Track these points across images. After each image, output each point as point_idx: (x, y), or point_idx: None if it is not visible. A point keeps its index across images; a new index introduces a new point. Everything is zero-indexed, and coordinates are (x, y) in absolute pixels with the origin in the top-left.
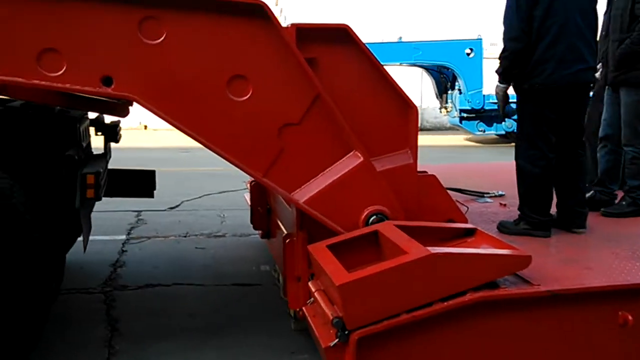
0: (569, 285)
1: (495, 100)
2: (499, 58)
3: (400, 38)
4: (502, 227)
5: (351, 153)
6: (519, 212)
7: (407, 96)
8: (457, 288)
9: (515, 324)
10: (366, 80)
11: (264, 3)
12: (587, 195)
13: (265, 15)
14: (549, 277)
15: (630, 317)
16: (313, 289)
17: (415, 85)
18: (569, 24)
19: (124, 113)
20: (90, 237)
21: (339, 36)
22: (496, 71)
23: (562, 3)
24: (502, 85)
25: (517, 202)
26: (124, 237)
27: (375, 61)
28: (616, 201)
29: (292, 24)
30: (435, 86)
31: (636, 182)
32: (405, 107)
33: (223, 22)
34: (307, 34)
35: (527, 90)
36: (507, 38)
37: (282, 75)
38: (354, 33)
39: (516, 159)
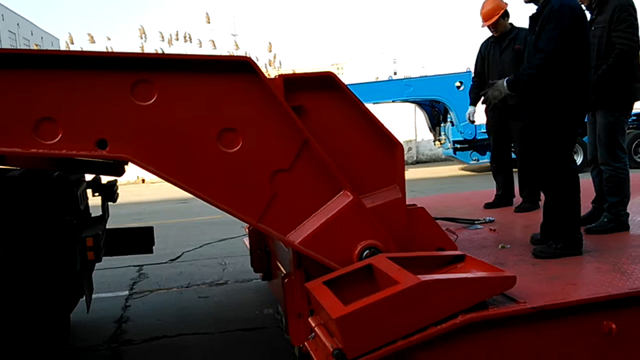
0: (553, 301)
1: (485, 131)
2: (526, 74)
3: (391, 77)
4: (540, 253)
5: (341, 193)
6: (546, 235)
7: (392, 134)
8: (448, 311)
9: (505, 340)
10: (352, 122)
11: (250, 59)
12: (587, 212)
13: (252, 70)
14: (535, 295)
15: (614, 326)
16: (313, 324)
17: (409, 120)
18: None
19: (120, 172)
20: (94, 295)
21: (324, 83)
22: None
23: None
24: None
25: (505, 227)
26: (126, 292)
27: (359, 104)
28: None
29: (280, 75)
30: (428, 120)
31: (615, 198)
32: (391, 145)
33: (211, 79)
34: (294, 83)
35: (558, 113)
36: (551, 51)
37: (270, 125)
38: (339, 79)
39: (556, 179)
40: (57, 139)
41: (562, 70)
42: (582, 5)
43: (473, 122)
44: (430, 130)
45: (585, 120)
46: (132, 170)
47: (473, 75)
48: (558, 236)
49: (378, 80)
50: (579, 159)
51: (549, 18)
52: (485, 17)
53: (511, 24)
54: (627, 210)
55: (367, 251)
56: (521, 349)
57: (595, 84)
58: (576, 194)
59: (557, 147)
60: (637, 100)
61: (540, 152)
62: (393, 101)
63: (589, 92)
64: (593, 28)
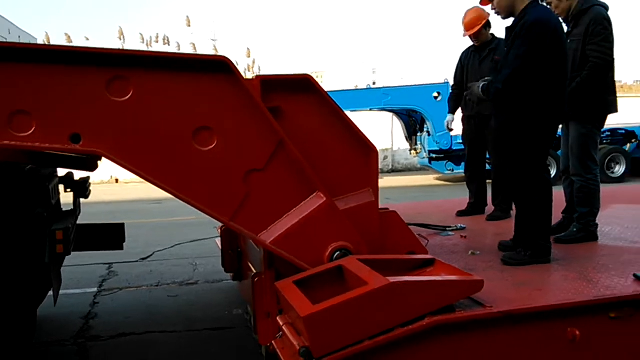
0: (520, 306)
1: (461, 141)
2: (493, 87)
3: (369, 85)
4: (509, 260)
5: (314, 194)
6: (518, 243)
7: (367, 139)
8: (416, 313)
9: (471, 344)
10: (328, 125)
11: (227, 59)
12: (557, 221)
13: (229, 70)
14: (502, 299)
15: (577, 332)
16: (281, 323)
17: (386, 128)
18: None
19: (93, 167)
20: (62, 291)
21: (301, 85)
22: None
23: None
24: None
25: (477, 234)
26: (95, 289)
27: (336, 107)
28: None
29: (257, 76)
30: (404, 129)
31: (585, 209)
32: (366, 149)
33: (188, 77)
34: (271, 84)
35: (532, 123)
36: (516, 68)
37: (245, 125)
38: (316, 82)
39: (528, 188)
40: (30, 132)
41: (537, 82)
42: (560, 18)
43: (451, 130)
44: (407, 140)
45: (559, 134)
46: (106, 170)
47: (452, 83)
48: (527, 244)
49: (357, 88)
50: (552, 172)
51: (519, 33)
52: (467, 27)
53: (492, 34)
54: (597, 221)
55: (338, 252)
56: (487, 353)
57: (569, 96)
58: (548, 203)
59: (530, 157)
60: (610, 112)
61: (513, 161)
62: (371, 109)
63: (564, 104)
64: (569, 41)
